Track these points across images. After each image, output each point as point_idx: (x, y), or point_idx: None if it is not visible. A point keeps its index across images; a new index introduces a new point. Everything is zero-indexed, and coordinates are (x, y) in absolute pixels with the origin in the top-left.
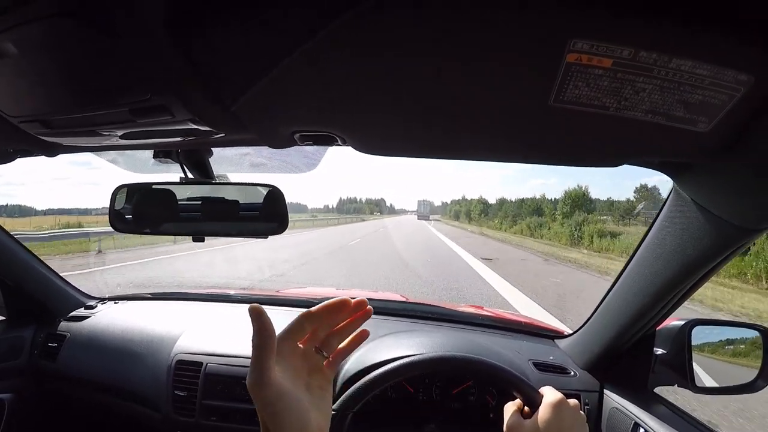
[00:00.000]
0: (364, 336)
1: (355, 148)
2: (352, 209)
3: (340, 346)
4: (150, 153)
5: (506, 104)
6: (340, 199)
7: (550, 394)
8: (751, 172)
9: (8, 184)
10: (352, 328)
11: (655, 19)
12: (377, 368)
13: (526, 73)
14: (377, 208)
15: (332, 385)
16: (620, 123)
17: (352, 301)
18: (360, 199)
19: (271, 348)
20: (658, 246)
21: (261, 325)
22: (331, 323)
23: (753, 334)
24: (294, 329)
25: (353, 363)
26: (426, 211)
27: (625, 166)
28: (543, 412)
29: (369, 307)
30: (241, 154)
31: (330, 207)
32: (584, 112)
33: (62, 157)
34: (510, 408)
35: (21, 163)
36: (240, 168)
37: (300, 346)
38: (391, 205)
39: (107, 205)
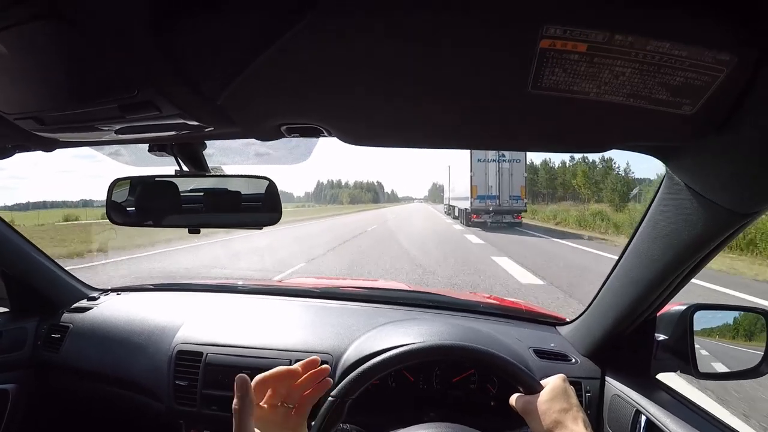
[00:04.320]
0: (326, 385)
1: (341, 140)
2: (329, 196)
3: (305, 393)
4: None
5: (486, 91)
6: (318, 183)
7: (551, 379)
8: (740, 155)
9: (12, 177)
10: (312, 379)
11: (628, 2)
12: (376, 356)
13: (501, 61)
14: (369, 194)
15: (307, 426)
16: (603, 108)
17: (300, 366)
18: (347, 183)
19: (251, 412)
20: (653, 231)
21: (244, 392)
22: (287, 383)
23: (756, 317)
24: (256, 392)
25: (352, 351)
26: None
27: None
28: (546, 391)
29: (323, 367)
30: (246, 143)
31: (309, 194)
32: (565, 98)
33: (67, 150)
34: (516, 398)
35: (25, 157)
36: (246, 158)
37: (264, 405)
38: (391, 191)
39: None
